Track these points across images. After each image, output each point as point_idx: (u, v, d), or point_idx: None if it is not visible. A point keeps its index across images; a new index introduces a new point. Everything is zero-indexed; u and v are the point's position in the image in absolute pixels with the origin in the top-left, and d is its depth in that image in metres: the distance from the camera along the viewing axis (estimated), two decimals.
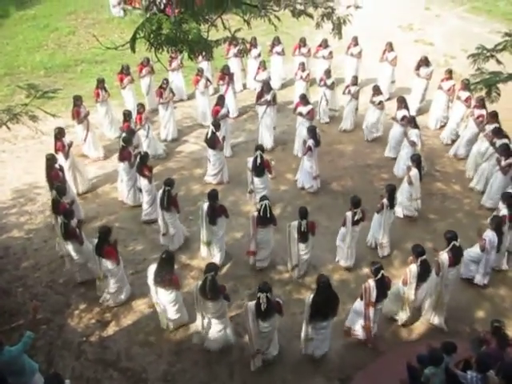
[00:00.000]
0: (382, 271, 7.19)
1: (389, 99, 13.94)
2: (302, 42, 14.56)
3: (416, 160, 9.66)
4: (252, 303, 6.88)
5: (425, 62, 13.17)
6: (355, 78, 12.92)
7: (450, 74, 12.63)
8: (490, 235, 8.24)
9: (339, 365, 7.41)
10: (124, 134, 10.43)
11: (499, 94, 7.52)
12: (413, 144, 10.58)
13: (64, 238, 8.38)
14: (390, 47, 13.91)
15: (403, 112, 11.36)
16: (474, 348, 6.45)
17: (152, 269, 7.50)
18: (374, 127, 12.60)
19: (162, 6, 5.69)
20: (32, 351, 6.91)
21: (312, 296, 7.01)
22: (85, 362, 7.46)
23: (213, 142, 10.55)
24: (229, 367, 7.39)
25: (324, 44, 14.30)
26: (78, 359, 7.49)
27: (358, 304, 7.49)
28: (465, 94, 11.90)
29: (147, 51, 5.82)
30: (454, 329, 7.91)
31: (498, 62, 7.81)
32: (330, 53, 14.38)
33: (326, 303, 6.95)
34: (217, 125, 10.61)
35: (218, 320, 7.34)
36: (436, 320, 7.99)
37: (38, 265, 9.18)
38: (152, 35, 5.30)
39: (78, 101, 11.41)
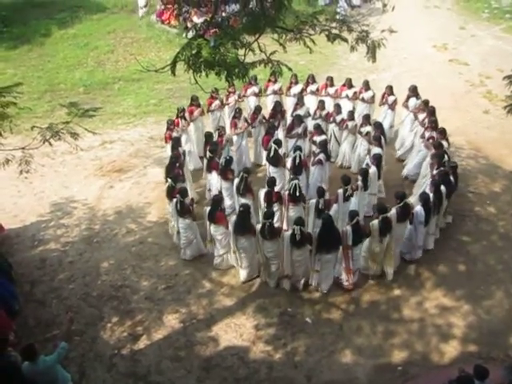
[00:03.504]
0: (357, 217, 8.32)
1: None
2: (329, 81, 13.25)
3: (376, 159, 10.13)
4: (288, 233, 8.30)
5: (389, 91, 12.60)
6: (351, 112, 12.04)
7: (426, 105, 11.81)
8: (418, 210, 8.82)
9: None
10: (209, 146, 10.58)
11: None
12: (373, 162, 10.21)
13: (179, 214, 9.19)
14: (389, 90, 12.73)
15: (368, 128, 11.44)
16: (507, 375, 6.32)
17: (232, 220, 8.67)
18: (364, 159, 11.47)
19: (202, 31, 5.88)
20: (65, 362, 7.04)
21: (318, 231, 8.30)
22: (116, 374, 7.59)
23: (276, 160, 10.58)
24: None
25: (348, 84, 13.14)
26: (109, 371, 7.62)
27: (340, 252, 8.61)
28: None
29: (185, 72, 6.01)
30: (487, 354, 7.74)
31: None
32: (355, 93, 13.06)
33: (329, 236, 8.25)
34: (279, 143, 10.70)
35: (275, 258, 8.66)
36: (388, 270, 8.95)
37: (73, 277, 9.40)
38: (191, 58, 5.51)
39: (171, 125, 11.33)
